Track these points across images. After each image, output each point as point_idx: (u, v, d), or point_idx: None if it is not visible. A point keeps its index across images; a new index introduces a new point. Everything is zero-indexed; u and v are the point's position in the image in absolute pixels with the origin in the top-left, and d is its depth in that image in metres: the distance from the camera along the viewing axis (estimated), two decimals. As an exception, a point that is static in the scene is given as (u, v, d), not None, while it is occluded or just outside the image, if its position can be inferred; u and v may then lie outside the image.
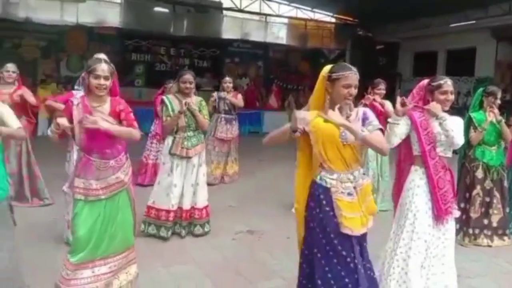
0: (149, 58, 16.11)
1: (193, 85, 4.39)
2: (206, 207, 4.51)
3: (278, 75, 17.50)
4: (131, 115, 3.02)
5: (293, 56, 17.90)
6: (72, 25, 14.54)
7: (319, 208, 2.49)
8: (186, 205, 4.37)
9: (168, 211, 4.26)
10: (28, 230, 4.17)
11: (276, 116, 13.64)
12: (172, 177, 4.29)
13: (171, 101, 4.35)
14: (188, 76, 4.35)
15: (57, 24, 14.32)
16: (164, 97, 4.47)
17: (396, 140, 3.02)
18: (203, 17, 16.26)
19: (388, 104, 5.35)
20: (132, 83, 15.21)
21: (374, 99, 5.45)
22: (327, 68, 2.58)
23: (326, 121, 2.48)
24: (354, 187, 2.50)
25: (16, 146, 5.05)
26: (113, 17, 15.23)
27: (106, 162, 2.93)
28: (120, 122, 2.97)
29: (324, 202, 2.48)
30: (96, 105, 2.92)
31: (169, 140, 4.39)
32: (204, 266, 3.72)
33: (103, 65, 2.85)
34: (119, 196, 2.99)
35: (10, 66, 5.16)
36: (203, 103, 4.53)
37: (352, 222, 2.44)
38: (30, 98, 5.15)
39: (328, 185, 2.48)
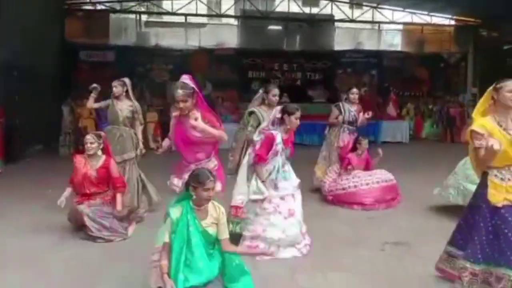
0: (264, 74, 16.75)
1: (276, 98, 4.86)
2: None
3: (393, 83, 17.00)
4: None
5: (409, 63, 17.23)
6: (195, 48, 15.80)
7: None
8: None
9: None
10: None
11: (395, 126, 13.27)
12: None
13: (261, 112, 4.78)
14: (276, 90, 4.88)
15: (182, 49, 15.67)
16: (255, 109, 4.86)
17: None
18: (315, 31, 16.51)
19: None
20: (250, 100, 15.95)
21: None
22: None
23: None
24: None
25: None
26: (231, 38, 16.19)
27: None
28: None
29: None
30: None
31: None
32: (359, 276, 3.80)
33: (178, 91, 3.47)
34: None
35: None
36: None
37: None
38: None
39: None
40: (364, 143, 6.44)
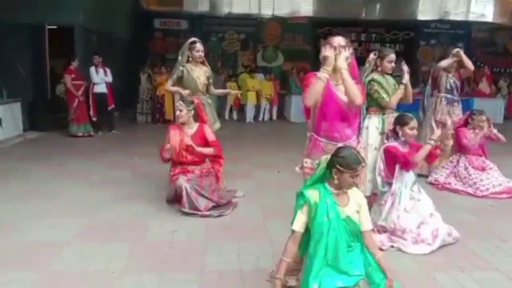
0: (339, 45, 15.87)
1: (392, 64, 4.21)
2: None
3: (483, 57, 15.55)
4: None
5: (501, 35, 15.71)
6: (268, 17, 15.18)
7: None
8: None
9: None
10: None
11: (489, 104, 12.02)
12: None
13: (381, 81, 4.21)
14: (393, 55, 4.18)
15: (255, 18, 15.12)
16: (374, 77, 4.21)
17: None
18: (397, -1, 15.32)
19: None
20: (322, 71, 15.28)
21: None
22: None
23: None
24: None
25: None
26: (306, 6, 15.37)
27: (334, 145, 2.81)
28: None
29: None
30: (335, 82, 2.88)
31: (375, 120, 4.19)
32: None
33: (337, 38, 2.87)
34: None
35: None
36: None
37: None
38: None
39: None
40: (479, 118, 5.51)
